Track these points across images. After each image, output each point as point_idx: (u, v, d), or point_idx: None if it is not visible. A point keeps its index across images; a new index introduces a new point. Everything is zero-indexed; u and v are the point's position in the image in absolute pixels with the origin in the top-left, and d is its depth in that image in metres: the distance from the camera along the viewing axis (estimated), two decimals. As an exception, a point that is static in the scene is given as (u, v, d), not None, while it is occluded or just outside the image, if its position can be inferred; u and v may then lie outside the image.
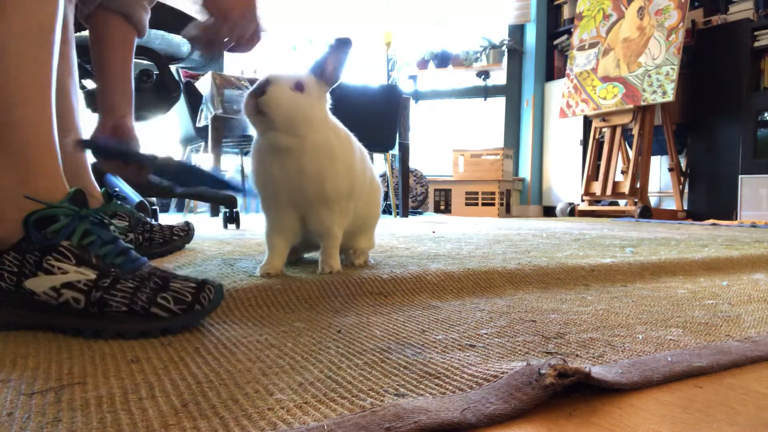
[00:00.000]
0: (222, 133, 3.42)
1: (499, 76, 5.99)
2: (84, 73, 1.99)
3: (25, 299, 0.68)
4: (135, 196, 1.44)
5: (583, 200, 4.87)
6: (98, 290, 0.67)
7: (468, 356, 0.60)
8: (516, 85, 6.00)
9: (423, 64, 5.98)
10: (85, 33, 1.90)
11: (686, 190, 4.79)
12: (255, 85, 0.93)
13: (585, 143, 5.25)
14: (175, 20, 1.97)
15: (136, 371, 0.54)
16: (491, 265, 1.13)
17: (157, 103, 2.22)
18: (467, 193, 5.47)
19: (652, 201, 5.01)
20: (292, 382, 0.51)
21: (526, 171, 5.90)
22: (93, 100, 2.02)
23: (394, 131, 3.80)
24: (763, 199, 4.23)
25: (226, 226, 2.30)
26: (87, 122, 1.19)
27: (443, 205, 5.64)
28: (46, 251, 0.68)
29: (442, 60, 5.93)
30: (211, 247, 1.43)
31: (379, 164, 4.84)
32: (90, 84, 2.03)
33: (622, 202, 4.92)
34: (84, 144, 0.98)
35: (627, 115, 4.52)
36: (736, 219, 4.31)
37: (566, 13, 5.73)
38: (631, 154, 4.48)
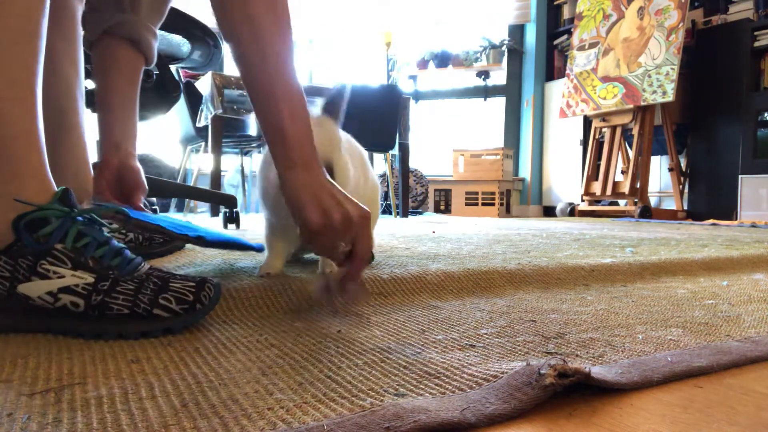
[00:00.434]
0: (222, 132, 3.43)
1: (499, 76, 5.99)
2: (84, 73, 1.99)
3: (19, 304, 0.67)
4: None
5: (583, 200, 4.87)
6: (98, 293, 0.67)
7: (468, 356, 0.60)
8: (516, 85, 6.00)
9: (423, 64, 5.98)
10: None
11: (686, 190, 4.79)
12: None
13: (585, 143, 5.26)
14: (175, 20, 1.97)
15: (136, 371, 0.54)
16: (491, 265, 1.13)
17: (157, 103, 2.22)
18: (467, 193, 5.47)
19: (652, 201, 5.01)
20: (291, 382, 0.51)
21: (526, 171, 5.90)
22: (93, 100, 2.03)
23: (394, 131, 3.80)
24: (763, 199, 4.23)
25: (226, 226, 2.30)
26: (85, 123, 1.14)
27: (443, 205, 5.64)
28: (39, 255, 0.67)
29: (442, 60, 5.93)
30: (211, 247, 1.43)
31: (379, 164, 4.84)
32: (90, 84, 2.03)
33: (622, 202, 4.93)
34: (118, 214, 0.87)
35: (627, 115, 4.52)
36: (736, 219, 4.31)
37: (566, 13, 5.73)
38: (631, 154, 4.48)
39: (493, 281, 1.05)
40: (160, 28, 1.16)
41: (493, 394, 0.47)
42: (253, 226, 2.42)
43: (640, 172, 4.43)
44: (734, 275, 1.28)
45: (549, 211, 5.70)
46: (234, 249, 1.02)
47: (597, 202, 4.91)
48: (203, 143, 3.74)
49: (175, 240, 0.88)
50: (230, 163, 4.77)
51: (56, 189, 0.72)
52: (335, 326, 0.73)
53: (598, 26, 4.91)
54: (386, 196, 4.59)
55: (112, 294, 0.67)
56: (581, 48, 5.00)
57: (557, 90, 5.52)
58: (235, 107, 3.55)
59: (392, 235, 2.00)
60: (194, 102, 3.68)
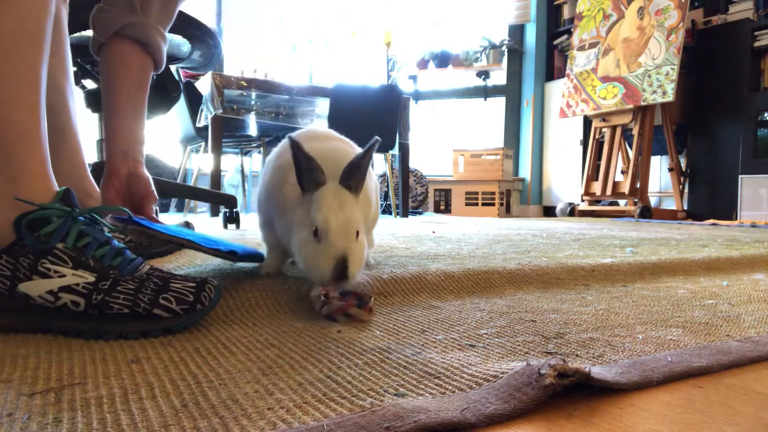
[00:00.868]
0: (222, 132, 3.43)
1: (499, 76, 5.99)
2: (84, 73, 1.99)
3: (19, 303, 0.67)
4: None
5: (583, 200, 4.87)
6: (99, 293, 0.67)
7: (468, 356, 0.60)
8: (516, 85, 6.00)
9: (423, 64, 5.98)
10: (85, 33, 1.91)
11: (686, 190, 4.79)
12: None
13: (585, 143, 5.26)
14: (175, 20, 1.96)
15: (137, 371, 0.54)
16: (491, 265, 1.13)
17: (157, 103, 2.22)
18: (467, 193, 5.47)
19: (652, 201, 5.01)
20: (291, 382, 0.51)
21: (526, 171, 5.90)
22: (93, 100, 2.03)
23: (394, 131, 3.80)
24: (763, 199, 4.23)
25: (226, 226, 2.30)
26: (85, 123, 1.13)
27: (443, 205, 5.65)
28: (40, 254, 0.67)
29: (442, 60, 5.94)
30: (211, 247, 1.43)
31: (379, 164, 4.84)
32: (90, 84, 2.04)
33: (622, 202, 4.93)
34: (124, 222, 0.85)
35: (627, 115, 4.52)
36: (736, 219, 4.31)
37: (566, 13, 5.73)
38: (631, 154, 4.49)
39: (493, 281, 1.05)
40: None
41: (493, 394, 0.47)
42: (253, 226, 2.41)
43: (640, 172, 4.43)
44: (734, 275, 1.28)
45: (549, 211, 5.70)
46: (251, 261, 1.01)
47: (597, 202, 4.91)
48: (203, 143, 3.74)
49: (200, 251, 0.87)
50: (230, 163, 4.77)
51: (58, 189, 0.72)
52: (335, 326, 0.73)
53: (598, 26, 4.91)
54: (386, 196, 4.59)
55: (112, 293, 0.67)
56: (581, 48, 5.00)
57: (557, 90, 5.52)
58: (235, 107, 3.56)
59: (392, 235, 2.00)
60: (194, 102, 3.68)
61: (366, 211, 0.96)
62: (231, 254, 0.88)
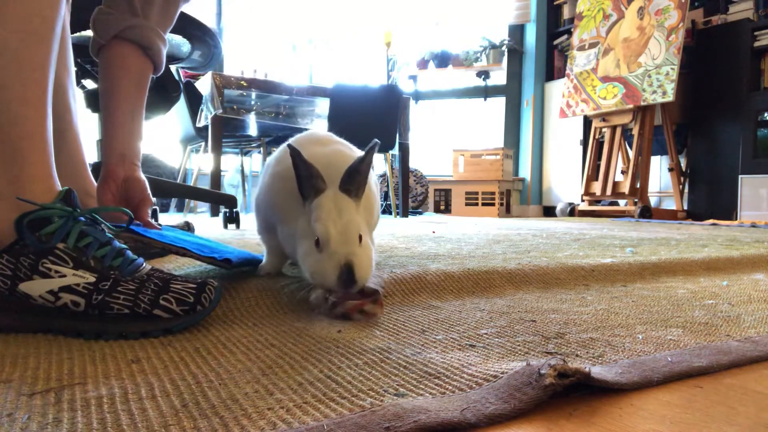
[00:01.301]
0: (222, 132, 3.43)
1: (499, 76, 5.99)
2: (84, 73, 1.99)
3: (19, 303, 0.67)
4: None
5: (583, 200, 4.87)
6: (99, 293, 0.67)
7: (468, 356, 0.60)
8: (516, 85, 6.00)
9: (423, 64, 5.98)
10: (85, 33, 1.90)
11: (686, 190, 4.79)
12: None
13: (585, 143, 5.26)
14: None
15: (137, 371, 0.54)
16: (491, 265, 1.13)
17: (157, 103, 2.22)
18: (467, 193, 5.47)
19: (652, 201, 5.01)
20: (291, 382, 0.51)
21: (526, 171, 5.90)
22: (93, 100, 2.03)
23: (394, 131, 3.80)
24: (763, 199, 4.23)
25: (226, 226, 2.30)
26: (85, 123, 1.13)
27: (443, 205, 5.65)
28: (41, 254, 0.67)
29: (442, 60, 5.94)
30: (211, 247, 1.43)
31: (379, 164, 4.84)
32: (90, 84, 2.04)
33: (622, 202, 4.93)
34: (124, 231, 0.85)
35: (627, 115, 4.52)
36: (736, 219, 4.31)
37: (566, 13, 5.73)
38: (631, 154, 4.49)
39: (493, 281, 1.05)
40: None
41: (493, 394, 0.47)
42: (253, 226, 2.41)
43: (640, 172, 4.44)
44: (734, 275, 1.28)
45: (549, 211, 5.70)
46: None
47: (597, 202, 4.91)
48: (203, 143, 3.75)
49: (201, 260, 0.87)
50: (230, 163, 4.77)
51: (60, 189, 0.73)
52: (335, 326, 0.73)
53: (598, 26, 4.91)
54: (386, 196, 4.59)
55: (112, 294, 0.67)
56: (581, 48, 5.00)
57: (557, 90, 5.52)
58: (235, 107, 3.56)
59: (392, 235, 2.00)
60: (194, 102, 3.68)
61: (368, 215, 0.94)
62: (225, 262, 0.89)
